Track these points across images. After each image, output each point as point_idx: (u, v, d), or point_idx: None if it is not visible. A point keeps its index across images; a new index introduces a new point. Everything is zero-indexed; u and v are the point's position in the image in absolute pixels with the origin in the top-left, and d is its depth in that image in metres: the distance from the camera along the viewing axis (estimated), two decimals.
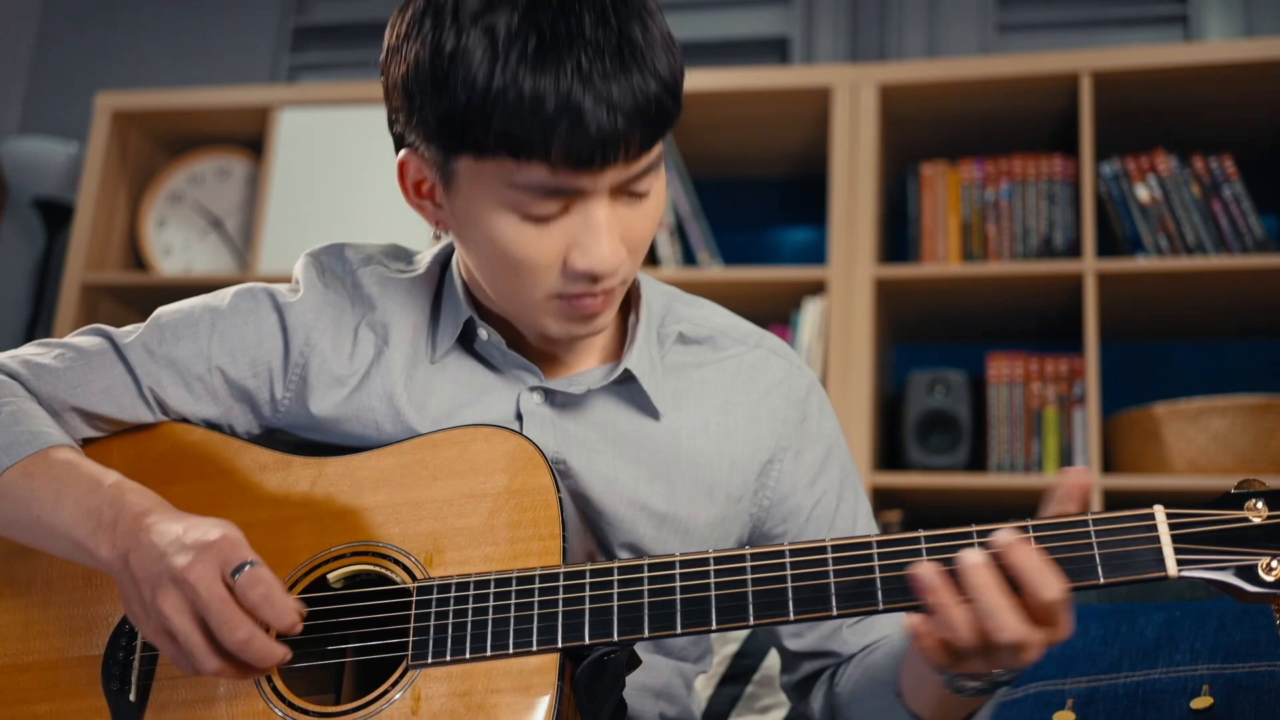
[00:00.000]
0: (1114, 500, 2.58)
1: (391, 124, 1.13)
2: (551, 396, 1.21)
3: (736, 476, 1.24)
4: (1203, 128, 2.87)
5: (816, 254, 3.15)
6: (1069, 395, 2.75)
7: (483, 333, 1.20)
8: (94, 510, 1.08)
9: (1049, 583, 0.94)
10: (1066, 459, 2.70)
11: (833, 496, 1.28)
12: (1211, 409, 2.58)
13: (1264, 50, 2.68)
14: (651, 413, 1.21)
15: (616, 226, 1.07)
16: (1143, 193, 2.76)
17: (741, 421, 1.24)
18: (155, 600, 1.02)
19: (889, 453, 2.90)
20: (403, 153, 1.13)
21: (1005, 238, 2.84)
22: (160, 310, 1.27)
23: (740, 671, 1.77)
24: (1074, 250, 2.78)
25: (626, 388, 1.22)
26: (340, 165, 3.15)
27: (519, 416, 1.20)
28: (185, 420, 1.24)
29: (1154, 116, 2.85)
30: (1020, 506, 2.72)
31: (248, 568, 1.02)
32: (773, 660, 1.76)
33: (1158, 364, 2.98)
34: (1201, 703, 1.30)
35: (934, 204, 2.91)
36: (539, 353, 1.22)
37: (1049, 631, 0.96)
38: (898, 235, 3.05)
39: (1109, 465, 2.71)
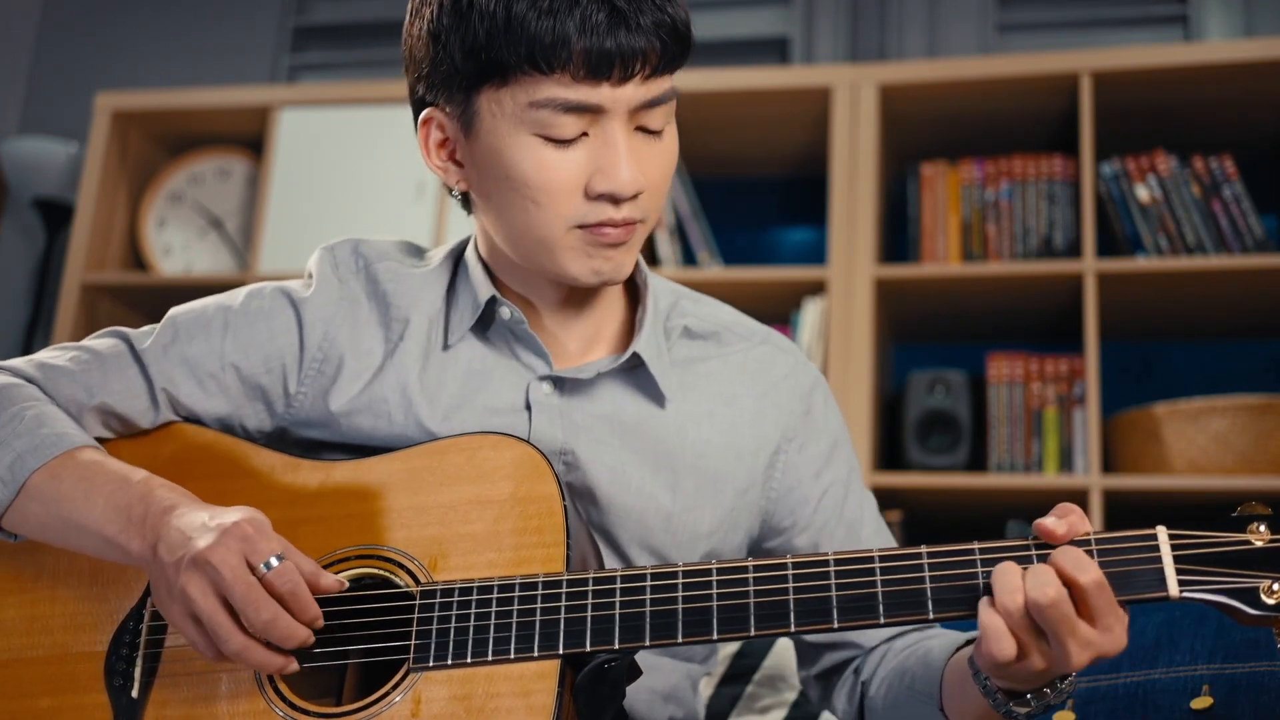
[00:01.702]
0: (1114, 500, 2.59)
1: (412, 92, 1.18)
2: (560, 384, 1.22)
3: (743, 468, 1.25)
4: (1203, 128, 2.87)
5: (816, 254, 3.15)
6: (1069, 395, 2.75)
7: (504, 311, 1.22)
8: (124, 507, 1.10)
9: (1087, 566, 0.96)
10: (1066, 459, 2.71)
11: (840, 488, 1.29)
12: (1211, 409, 2.59)
13: (1264, 50, 2.68)
14: (658, 399, 1.23)
15: (636, 154, 1.11)
16: (1143, 193, 2.76)
17: (747, 413, 1.26)
18: (180, 583, 1.04)
19: (889, 453, 2.91)
20: (424, 113, 1.17)
21: (1005, 238, 2.84)
22: (174, 310, 1.28)
23: (740, 671, 1.77)
24: (1074, 250, 2.78)
25: (634, 374, 1.23)
26: (340, 165, 3.15)
27: (528, 406, 1.21)
28: (197, 418, 1.25)
29: (1154, 116, 2.85)
30: (1020, 506, 2.73)
31: (276, 561, 1.04)
32: (773, 661, 1.76)
33: (1158, 364, 2.98)
34: (1201, 703, 1.30)
35: (934, 204, 2.91)
36: (552, 336, 1.24)
37: (1103, 632, 0.97)
38: (898, 235, 3.05)
39: (1109, 465, 2.71)
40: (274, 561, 1.03)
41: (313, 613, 1.05)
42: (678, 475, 1.22)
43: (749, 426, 1.26)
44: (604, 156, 1.10)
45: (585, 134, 1.10)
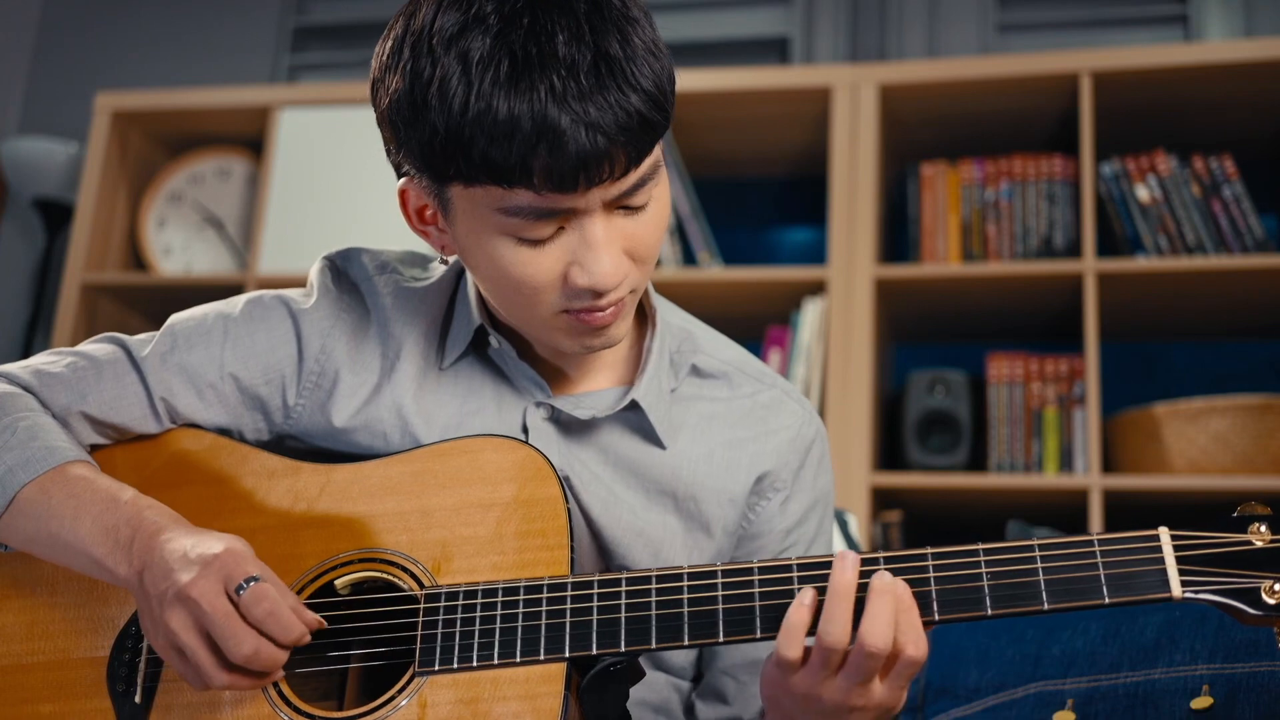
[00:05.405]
0: (1114, 500, 2.59)
1: (388, 153, 1.12)
2: (558, 415, 1.21)
3: (734, 510, 1.24)
4: (1203, 128, 2.87)
5: (816, 254, 3.15)
6: (1069, 395, 2.75)
7: (493, 340, 1.20)
8: (111, 528, 1.09)
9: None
10: (1066, 459, 2.71)
11: (801, 549, 1.28)
12: (1211, 409, 2.59)
13: (1264, 50, 2.68)
14: (657, 443, 1.21)
15: (617, 239, 1.06)
16: (1143, 193, 2.76)
17: (746, 457, 1.24)
18: (164, 617, 1.03)
19: (889, 453, 2.91)
20: (401, 181, 1.13)
21: (1005, 238, 2.84)
22: (174, 318, 1.27)
23: None
24: (1074, 250, 2.78)
25: (634, 415, 1.21)
26: (340, 165, 3.15)
27: (525, 430, 1.20)
28: (196, 427, 1.24)
29: (1154, 116, 2.85)
30: (1020, 507, 2.73)
31: (251, 584, 1.02)
32: None
33: (1158, 364, 2.98)
34: (1201, 703, 1.30)
35: (934, 204, 2.91)
36: (549, 365, 1.22)
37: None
38: (898, 235, 3.05)
39: (1109, 465, 2.71)
40: (248, 584, 1.02)
41: (296, 633, 1.04)
42: (669, 514, 1.21)
43: (744, 471, 1.23)
44: (582, 252, 1.05)
45: (562, 228, 1.05)
